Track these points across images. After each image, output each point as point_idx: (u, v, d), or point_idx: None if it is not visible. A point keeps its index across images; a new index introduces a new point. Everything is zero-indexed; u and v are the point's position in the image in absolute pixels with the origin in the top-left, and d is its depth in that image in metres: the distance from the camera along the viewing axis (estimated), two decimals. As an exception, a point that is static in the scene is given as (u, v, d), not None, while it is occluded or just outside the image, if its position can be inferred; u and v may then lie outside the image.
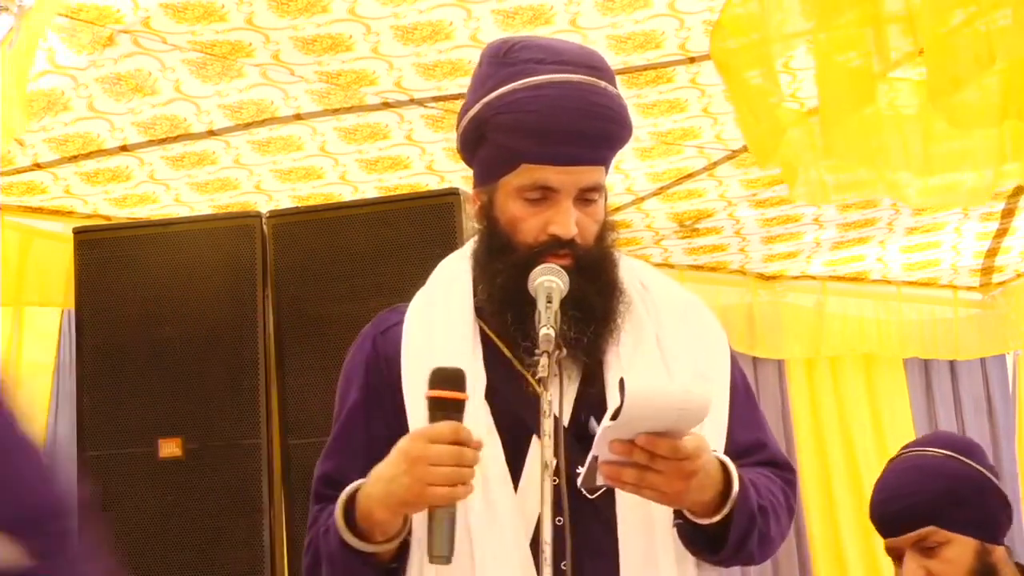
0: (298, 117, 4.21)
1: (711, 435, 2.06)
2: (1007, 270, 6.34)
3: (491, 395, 2.05)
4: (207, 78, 3.88)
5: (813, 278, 6.29)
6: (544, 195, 2.06)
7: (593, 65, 2.11)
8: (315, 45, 3.71)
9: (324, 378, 3.56)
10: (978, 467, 2.64)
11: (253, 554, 3.71)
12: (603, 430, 1.84)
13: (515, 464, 2.02)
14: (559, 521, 1.88)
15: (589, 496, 1.98)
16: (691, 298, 2.24)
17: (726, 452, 2.06)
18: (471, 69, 2.20)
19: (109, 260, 3.91)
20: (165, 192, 4.71)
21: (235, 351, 3.81)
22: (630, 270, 2.18)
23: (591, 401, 2.04)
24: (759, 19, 3.15)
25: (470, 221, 2.20)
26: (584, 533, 2.00)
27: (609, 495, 1.99)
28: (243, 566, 3.71)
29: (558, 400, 1.89)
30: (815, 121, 3.43)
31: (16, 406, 1.09)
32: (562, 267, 2.01)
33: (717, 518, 1.96)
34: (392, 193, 4.76)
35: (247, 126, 4.24)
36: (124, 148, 4.31)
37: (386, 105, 4.16)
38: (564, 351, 1.96)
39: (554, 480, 1.87)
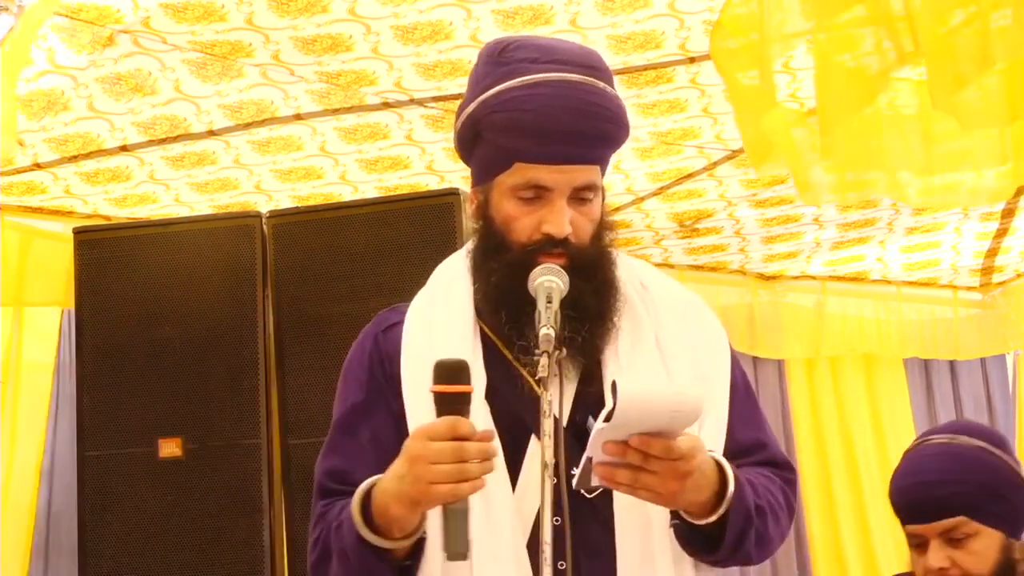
0: (298, 117, 4.21)
1: (711, 434, 2.06)
2: (1007, 270, 6.34)
3: (491, 395, 2.05)
4: (207, 78, 3.88)
5: (813, 278, 6.29)
6: (538, 194, 2.05)
7: (589, 64, 2.10)
8: (315, 45, 3.71)
9: (324, 378, 3.56)
10: (1011, 461, 2.61)
11: (253, 554, 3.72)
12: (596, 432, 1.84)
13: (513, 464, 2.02)
14: (557, 521, 1.88)
15: (587, 496, 1.98)
16: (691, 298, 2.24)
17: (726, 451, 2.06)
18: (471, 69, 2.20)
19: (109, 260, 3.91)
20: (165, 192, 4.71)
21: (235, 351, 3.81)
22: (630, 270, 2.17)
23: (589, 401, 2.04)
24: (759, 19, 3.14)
25: (470, 221, 2.20)
26: (582, 533, 2.00)
27: (607, 495, 1.99)
28: (243, 566, 3.71)
29: (558, 400, 1.89)
30: (815, 121, 3.43)
31: None
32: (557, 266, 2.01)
33: (713, 518, 1.96)
34: (392, 193, 4.76)
35: (247, 126, 4.24)
36: (124, 148, 4.31)
37: (386, 105, 4.16)
38: (564, 351, 1.96)
39: (552, 480, 1.87)
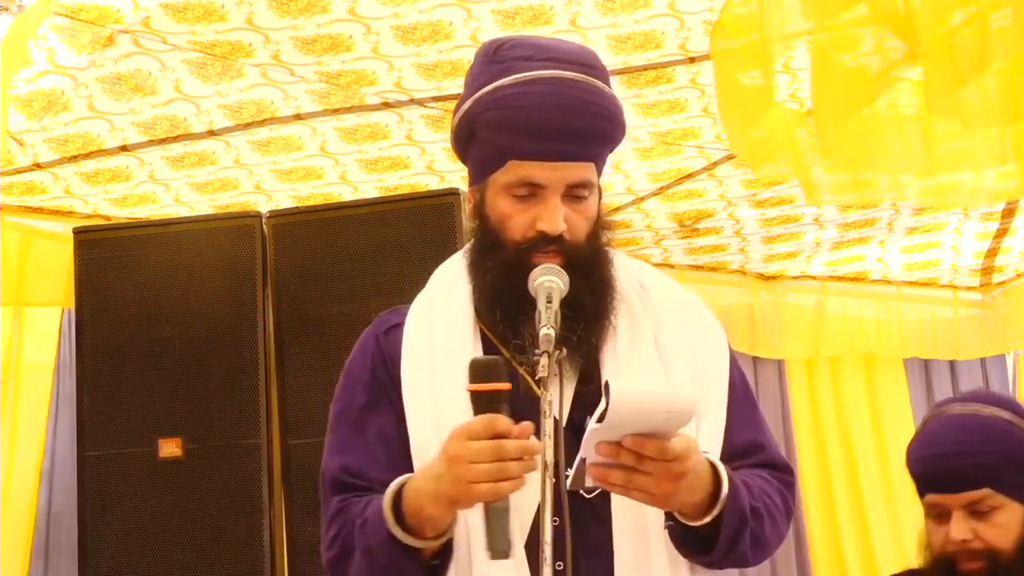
0: (298, 117, 4.21)
1: (709, 435, 2.06)
2: (1007, 270, 6.34)
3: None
4: (207, 78, 3.88)
5: (813, 278, 6.29)
6: (532, 192, 2.05)
7: (584, 62, 2.10)
8: (315, 45, 3.71)
9: (324, 378, 3.56)
10: None
11: (253, 554, 3.72)
12: (590, 432, 1.83)
13: None
14: (556, 521, 1.87)
15: (586, 496, 1.98)
16: (691, 298, 2.24)
17: (724, 453, 2.05)
18: (468, 69, 2.20)
19: (109, 260, 3.91)
20: (165, 192, 4.71)
21: (235, 351, 3.81)
22: (629, 270, 2.17)
23: (588, 401, 2.03)
24: (759, 19, 3.14)
25: (468, 221, 2.20)
26: (581, 533, 2.00)
27: (605, 496, 1.99)
28: (243, 566, 3.71)
29: (557, 400, 1.89)
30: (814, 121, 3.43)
31: None
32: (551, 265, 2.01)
33: (707, 520, 1.95)
34: (392, 193, 4.76)
35: (247, 126, 4.24)
36: (124, 148, 4.31)
37: (386, 105, 4.16)
38: (564, 351, 1.96)
39: (552, 480, 1.86)
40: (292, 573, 3.74)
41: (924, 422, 2.70)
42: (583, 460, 1.87)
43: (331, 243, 3.81)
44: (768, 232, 5.62)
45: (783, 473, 2.14)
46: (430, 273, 2.24)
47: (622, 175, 4.83)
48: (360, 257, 3.78)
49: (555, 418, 1.88)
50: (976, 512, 2.52)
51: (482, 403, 1.86)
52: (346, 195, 4.81)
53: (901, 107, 3.55)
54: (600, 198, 2.14)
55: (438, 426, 2.03)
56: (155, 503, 3.77)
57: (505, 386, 1.87)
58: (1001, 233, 5.82)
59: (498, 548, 1.83)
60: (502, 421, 1.84)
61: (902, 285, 6.45)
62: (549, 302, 1.94)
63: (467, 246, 2.19)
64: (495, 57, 2.11)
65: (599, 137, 2.09)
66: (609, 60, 3.59)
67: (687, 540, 2.00)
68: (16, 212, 4.65)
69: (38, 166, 4.38)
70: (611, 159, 2.21)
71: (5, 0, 3.27)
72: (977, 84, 2.98)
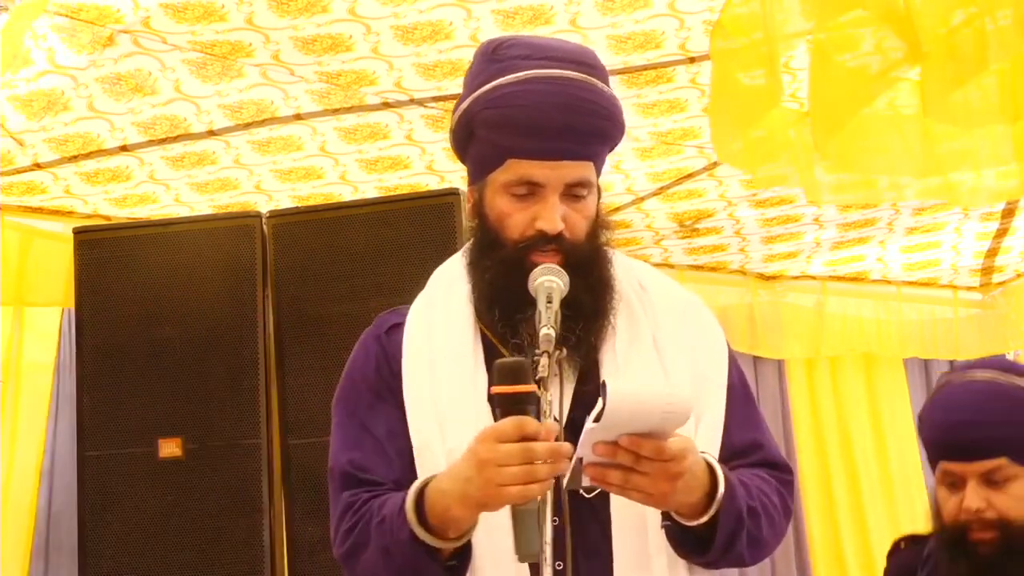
0: (298, 117, 4.21)
1: (707, 435, 2.06)
2: (1007, 270, 6.34)
3: (491, 396, 2.05)
4: (207, 78, 3.88)
5: (813, 278, 6.29)
6: (530, 190, 2.05)
7: (582, 61, 2.10)
8: (315, 45, 3.71)
9: (324, 378, 3.56)
10: None
11: (253, 554, 3.72)
12: (586, 432, 1.83)
13: None
14: (555, 521, 1.87)
15: (586, 496, 1.98)
16: (690, 298, 2.23)
17: (722, 452, 2.05)
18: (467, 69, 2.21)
19: (109, 260, 3.91)
20: (165, 192, 4.71)
21: (235, 351, 3.81)
22: (628, 270, 2.17)
23: (588, 400, 2.03)
24: (759, 19, 3.14)
25: (467, 220, 2.20)
26: (580, 533, 2.00)
27: (604, 496, 1.99)
28: (243, 566, 3.71)
29: (557, 400, 1.89)
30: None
31: None
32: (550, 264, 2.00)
33: (703, 519, 1.95)
34: (392, 193, 4.76)
35: (247, 126, 4.24)
36: (124, 148, 4.31)
37: (386, 105, 4.16)
38: (564, 351, 1.96)
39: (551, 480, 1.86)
40: (292, 573, 3.74)
41: (939, 387, 2.63)
42: (579, 460, 1.87)
43: (331, 243, 3.81)
44: (768, 232, 5.62)
45: (782, 472, 2.14)
46: (430, 273, 2.24)
47: (622, 175, 4.83)
48: (360, 257, 3.78)
49: (555, 418, 1.88)
50: (991, 481, 2.47)
51: (508, 405, 1.85)
52: (346, 195, 4.81)
53: (901, 107, 3.55)
54: (599, 198, 2.14)
55: (439, 426, 2.04)
56: (155, 503, 3.77)
57: (531, 388, 1.85)
58: (1001, 233, 5.82)
59: (527, 551, 1.82)
60: (530, 424, 1.83)
61: (902, 285, 6.45)
62: (549, 302, 1.94)
63: (466, 246, 2.19)
64: (494, 56, 2.11)
65: (598, 136, 2.09)
66: (609, 60, 3.59)
67: (684, 540, 2.00)
68: (16, 212, 4.65)
69: (38, 166, 4.38)
70: (611, 159, 2.21)
71: (5, 0, 3.27)
72: (977, 84, 2.98)
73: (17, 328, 4.81)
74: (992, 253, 6.09)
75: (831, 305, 6.33)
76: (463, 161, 2.19)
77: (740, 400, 2.16)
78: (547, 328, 1.89)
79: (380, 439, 2.09)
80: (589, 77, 2.08)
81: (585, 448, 1.85)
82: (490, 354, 2.08)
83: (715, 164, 4.78)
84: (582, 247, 2.06)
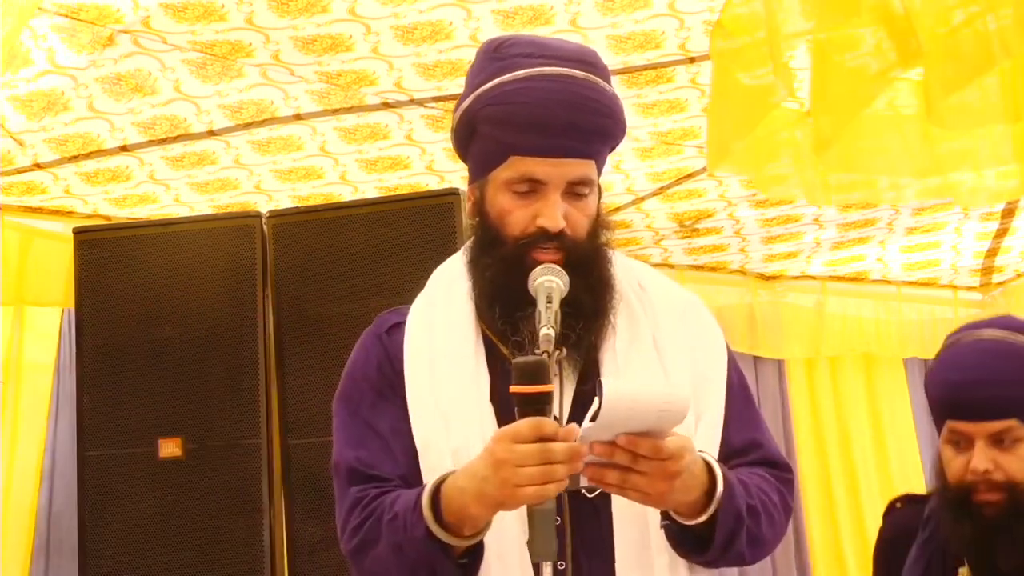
0: (298, 117, 4.22)
1: (707, 434, 2.05)
2: (1007, 270, 6.34)
3: (493, 396, 2.05)
4: (207, 78, 3.88)
5: (813, 278, 6.29)
6: (532, 188, 2.05)
7: (585, 60, 2.10)
8: (315, 45, 3.71)
9: (324, 378, 3.56)
10: None
11: (253, 554, 3.72)
12: (583, 432, 1.83)
13: None
14: (556, 521, 1.87)
15: (588, 495, 1.98)
16: (690, 298, 2.23)
17: (721, 452, 2.05)
18: (469, 68, 2.21)
19: (109, 260, 3.91)
20: (165, 192, 4.71)
21: (235, 351, 3.81)
22: (628, 270, 2.17)
23: (588, 399, 2.03)
24: (760, 19, 3.14)
25: (467, 219, 2.19)
26: (582, 532, 2.00)
27: (606, 495, 1.98)
28: (243, 566, 3.71)
29: (558, 399, 1.89)
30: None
31: None
32: (551, 263, 2.00)
33: (702, 519, 1.95)
34: (392, 193, 4.77)
35: (247, 126, 4.24)
36: (124, 148, 4.31)
37: (386, 105, 4.16)
38: (564, 351, 1.95)
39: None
40: (292, 573, 3.74)
41: (948, 344, 2.57)
42: None
43: (331, 243, 3.81)
44: (768, 232, 5.62)
45: (781, 471, 2.14)
46: (430, 273, 2.24)
47: (622, 175, 4.83)
48: (360, 257, 3.78)
49: (555, 417, 1.88)
50: (999, 442, 2.42)
51: (526, 405, 1.84)
52: (346, 195, 4.81)
53: (901, 107, 3.55)
54: (600, 197, 2.14)
55: (442, 425, 2.03)
56: (155, 503, 3.77)
57: (549, 388, 1.84)
58: (1001, 233, 5.82)
59: (543, 551, 1.82)
60: (548, 424, 1.82)
61: (902, 285, 6.45)
62: (549, 302, 1.94)
63: (466, 244, 2.18)
64: (496, 54, 2.11)
65: (600, 134, 2.09)
66: (609, 60, 3.58)
67: (683, 539, 2.00)
68: (16, 212, 4.65)
69: (38, 166, 4.38)
70: (611, 159, 2.21)
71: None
72: (977, 84, 2.98)
73: (17, 328, 4.81)
74: (992, 253, 6.09)
75: (831, 305, 6.34)
76: (464, 160, 2.19)
77: (739, 400, 2.15)
78: (547, 328, 1.89)
79: (385, 436, 2.08)
80: (592, 75, 2.08)
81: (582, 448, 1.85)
82: (491, 352, 2.08)
83: (715, 164, 4.79)
84: (583, 246, 2.06)
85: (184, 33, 3.59)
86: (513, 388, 1.84)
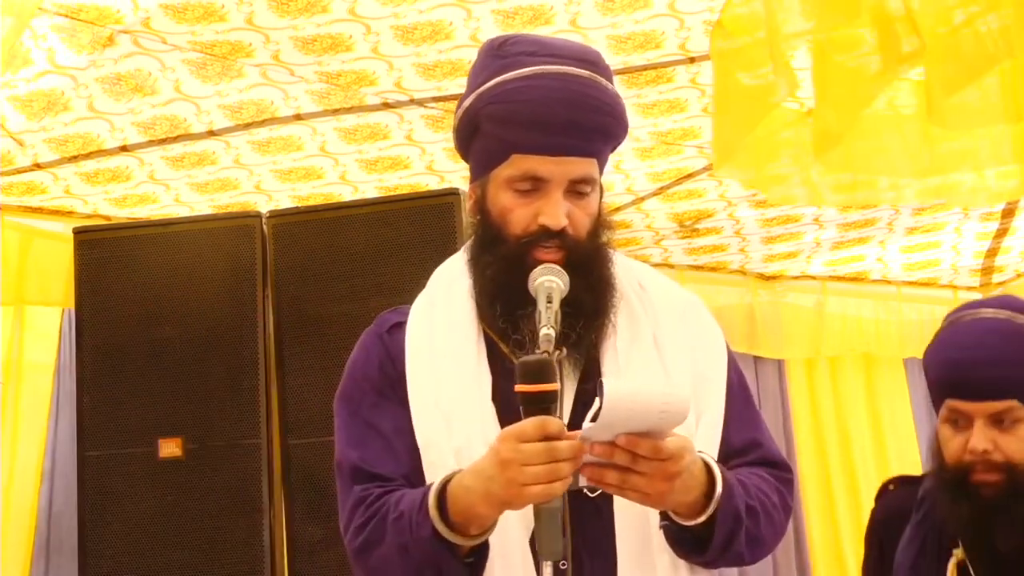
0: (298, 117, 4.22)
1: (707, 434, 2.05)
2: (1007, 270, 6.34)
3: (495, 395, 2.05)
4: (207, 78, 3.88)
5: (813, 278, 6.29)
6: (534, 186, 2.05)
7: (587, 59, 2.10)
8: (315, 45, 3.71)
9: (324, 378, 3.56)
10: None
11: (253, 554, 3.72)
12: (584, 432, 1.83)
13: None
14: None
15: (589, 495, 1.98)
16: (690, 298, 2.23)
17: (721, 452, 2.05)
18: (471, 67, 2.20)
19: (109, 260, 3.91)
20: (165, 192, 4.71)
21: (235, 351, 3.81)
22: (628, 270, 2.17)
23: (589, 399, 2.03)
24: (760, 19, 3.14)
25: (468, 218, 2.19)
26: (583, 532, 2.00)
27: (607, 495, 1.98)
28: (243, 566, 3.71)
29: (559, 399, 1.89)
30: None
31: None
32: (552, 262, 2.00)
33: (701, 519, 1.94)
34: (392, 193, 4.77)
35: (247, 126, 4.24)
36: (124, 148, 4.32)
37: (386, 105, 4.16)
38: (564, 351, 1.95)
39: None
40: (292, 573, 3.74)
41: (948, 323, 2.55)
42: None
43: (331, 243, 3.81)
44: (768, 232, 5.62)
45: (781, 470, 2.14)
46: (430, 273, 2.24)
47: (622, 175, 4.83)
48: (360, 257, 3.78)
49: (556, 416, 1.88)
50: (999, 423, 2.40)
51: (531, 404, 1.84)
52: (346, 195, 4.81)
53: (901, 107, 3.55)
54: (602, 196, 2.14)
55: (445, 424, 2.03)
56: (155, 503, 3.77)
57: (554, 387, 1.84)
58: (1001, 233, 5.82)
59: (550, 550, 1.82)
60: (553, 423, 1.82)
61: (902, 285, 6.45)
62: (549, 302, 1.94)
63: (467, 243, 2.18)
64: (499, 53, 2.11)
65: (602, 133, 2.09)
66: (609, 60, 3.56)
67: (682, 540, 2.00)
68: (16, 212, 4.65)
69: (38, 166, 4.38)
70: (612, 159, 2.21)
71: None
72: (977, 84, 2.98)
73: (17, 328, 4.81)
74: (992, 253, 6.09)
75: (831, 305, 6.34)
76: (466, 158, 2.18)
77: (739, 400, 2.15)
78: (547, 328, 1.89)
79: (387, 436, 2.08)
80: (594, 74, 2.08)
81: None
82: (492, 351, 2.08)
83: (715, 164, 4.79)
84: (584, 245, 2.06)
85: (184, 33, 3.59)
86: (518, 387, 1.84)
